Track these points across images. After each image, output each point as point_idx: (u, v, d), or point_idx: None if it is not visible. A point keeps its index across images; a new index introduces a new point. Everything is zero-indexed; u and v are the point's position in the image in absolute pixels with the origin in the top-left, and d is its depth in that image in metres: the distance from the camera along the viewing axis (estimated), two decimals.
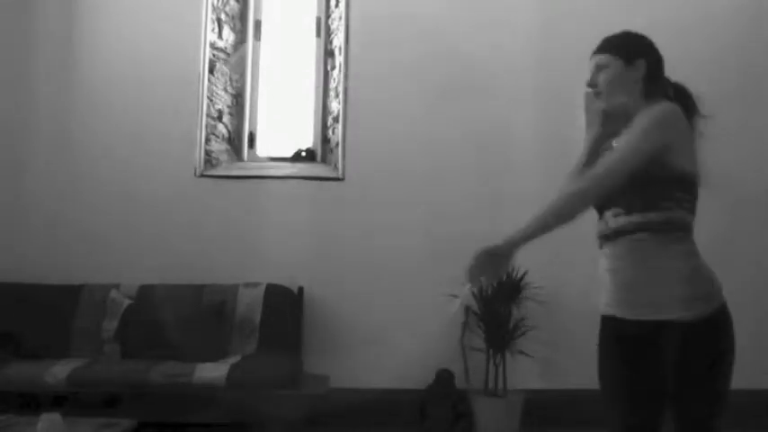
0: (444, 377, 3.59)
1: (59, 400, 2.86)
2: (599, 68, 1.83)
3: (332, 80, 4.10)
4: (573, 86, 4.08)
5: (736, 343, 1.73)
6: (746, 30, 3.97)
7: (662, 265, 1.70)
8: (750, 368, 3.69)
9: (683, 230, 1.73)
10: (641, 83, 1.82)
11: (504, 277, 3.53)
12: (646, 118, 1.73)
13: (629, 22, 4.35)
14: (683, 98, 1.90)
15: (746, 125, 3.90)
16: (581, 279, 3.83)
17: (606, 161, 1.74)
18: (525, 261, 3.60)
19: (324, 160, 4.10)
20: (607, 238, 1.82)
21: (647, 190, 1.72)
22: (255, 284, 3.65)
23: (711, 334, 1.66)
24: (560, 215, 1.75)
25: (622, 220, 1.76)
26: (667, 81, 1.90)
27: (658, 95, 1.83)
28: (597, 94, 1.83)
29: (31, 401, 2.87)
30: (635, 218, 1.74)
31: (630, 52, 1.82)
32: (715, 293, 1.69)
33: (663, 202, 1.72)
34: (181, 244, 3.83)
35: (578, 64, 4.27)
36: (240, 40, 4.19)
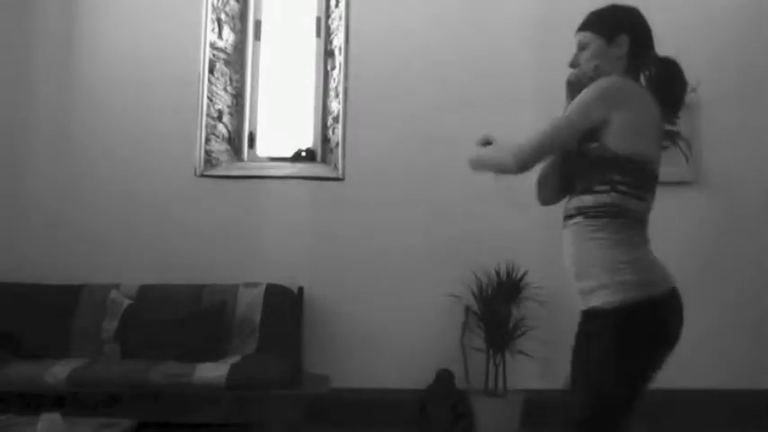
0: (444, 377, 3.59)
1: (59, 400, 2.85)
2: (581, 47, 1.79)
3: (332, 80, 4.10)
4: None
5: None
6: (746, 30, 3.97)
7: (587, 252, 1.65)
8: (750, 368, 3.72)
9: (616, 216, 1.62)
10: (625, 59, 1.74)
11: (505, 277, 3.54)
12: (587, 91, 1.66)
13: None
14: (666, 76, 1.77)
15: (746, 125, 3.91)
16: None
17: (534, 133, 1.69)
18: (525, 261, 3.61)
19: (324, 160, 4.10)
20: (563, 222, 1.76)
21: (589, 172, 1.66)
22: (255, 284, 3.65)
23: (620, 324, 1.59)
24: (482, 164, 1.85)
25: (569, 204, 1.73)
26: (654, 56, 1.79)
27: (641, 71, 1.76)
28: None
29: (31, 401, 2.86)
30: (574, 201, 1.70)
31: (612, 29, 1.75)
32: (642, 284, 1.60)
33: (598, 185, 1.64)
34: (181, 244, 3.83)
35: None
36: (240, 40, 4.19)
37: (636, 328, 1.58)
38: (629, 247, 1.63)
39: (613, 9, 1.80)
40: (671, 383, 3.69)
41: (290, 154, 4.16)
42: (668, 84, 1.75)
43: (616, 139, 1.61)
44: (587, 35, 1.77)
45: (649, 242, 1.70)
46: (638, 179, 1.64)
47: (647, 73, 1.77)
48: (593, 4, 4.15)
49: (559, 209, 1.81)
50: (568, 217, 1.71)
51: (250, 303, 3.59)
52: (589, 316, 1.65)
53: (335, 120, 4.02)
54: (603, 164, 1.62)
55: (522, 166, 1.69)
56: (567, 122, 1.66)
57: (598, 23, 1.77)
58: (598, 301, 1.61)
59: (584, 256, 1.66)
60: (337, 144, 3.97)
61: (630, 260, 1.61)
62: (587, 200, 1.65)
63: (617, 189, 1.62)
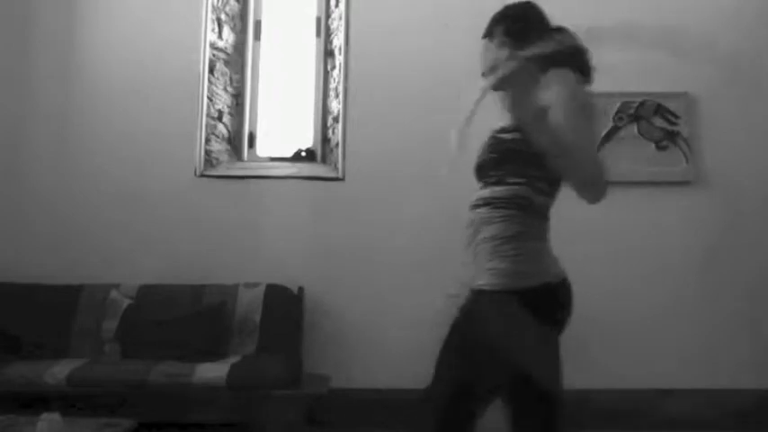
0: None
1: (59, 401, 2.85)
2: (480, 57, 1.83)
3: (332, 80, 4.10)
4: None
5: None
6: (746, 30, 3.97)
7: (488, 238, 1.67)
8: (750, 368, 3.71)
9: (524, 209, 1.65)
10: (508, 43, 1.79)
11: None
12: (567, 95, 1.65)
13: (629, 22, 4.36)
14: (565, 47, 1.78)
15: (746, 125, 3.91)
16: (580, 279, 3.84)
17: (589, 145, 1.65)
18: None
19: (324, 160, 4.10)
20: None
21: (503, 163, 1.68)
22: (255, 284, 3.65)
23: (505, 305, 1.61)
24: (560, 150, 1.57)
25: (480, 194, 1.74)
26: (547, 32, 1.85)
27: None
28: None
29: (31, 401, 2.87)
30: (486, 192, 1.71)
31: (489, 27, 1.84)
32: (533, 274, 1.62)
33: (513, 177, 1.65)
34: (181, 244, 3.83)
35: None
36: (240, 40, 4.19)
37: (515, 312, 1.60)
38: (528, 238, 1.65)
39: (500, 11, 1.89)
40: (672, 383, 3.71)
41: (290, 154, 4.16)
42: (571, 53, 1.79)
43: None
44: (482, 44, 1.86)
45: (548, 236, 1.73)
46: (553, 176, 1.64)
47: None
48: (587, 7, 4.16)
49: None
50: (476, 206, 1.73)
51: (250, 303, 3.59)
52: (475, 294, 1.69)
53: (335, 120, 4.02)
54: (522, 157, 1.62)
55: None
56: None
57: (486, 29, 1.88)
58: (486, 281, 1.64)
59: (484, 241, 1.68)
60: (337, 144, 3.97)
61: (526, 251, 1.63)
62: (499, 191, 1.66)
63: (533, 184, 1.64)
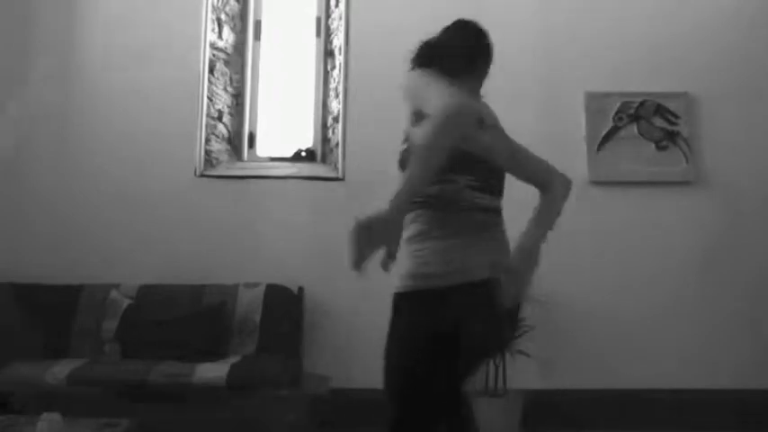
0: None
1: (59, 400, 2.85)
2: None
3: (332, 80, 4.10)
4: (572, 87, 4.09)
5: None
6: (746, 30, 3.97)
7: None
8: (750, 368, 3.72)
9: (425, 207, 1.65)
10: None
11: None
12: None
13: (629, 22, 4.36)
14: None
15: (746, 125, 3.91)
16: (580, 279, 3.85)
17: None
18: None
19: (324, 160, 4.10)
20: None
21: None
22: (255, 284, 3.65)
23: (405, 308, 1.66)
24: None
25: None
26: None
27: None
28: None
29: (31, 401, 2.87)
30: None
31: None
32: (431, 275, 1.60)
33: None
34: (181, 244, 3.83)
35: (577, 65, 4.27)
36: (240, 40, 4.19)
37: (425, 313, 1.62)
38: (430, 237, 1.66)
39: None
40: (672, 383, 3.71)
41: (290, 154, 4.16)
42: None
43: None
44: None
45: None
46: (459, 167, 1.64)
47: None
48: (589, 8, 4.16)
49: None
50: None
51: (250, 303, 3.58)
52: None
53: (335, 120, 4.02)
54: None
55: None
56: None
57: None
58: (398, 283, 1.69)
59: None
60: (337, 144, 3.97)
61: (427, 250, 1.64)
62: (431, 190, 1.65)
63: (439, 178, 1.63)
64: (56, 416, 2.35)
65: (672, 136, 3.90)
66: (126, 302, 3.54)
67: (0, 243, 3.80)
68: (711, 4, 3.99)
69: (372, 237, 1.44)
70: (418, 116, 1.63)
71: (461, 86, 1.59)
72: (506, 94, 3.91)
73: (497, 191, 1.73)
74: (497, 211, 1.72)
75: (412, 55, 1.88)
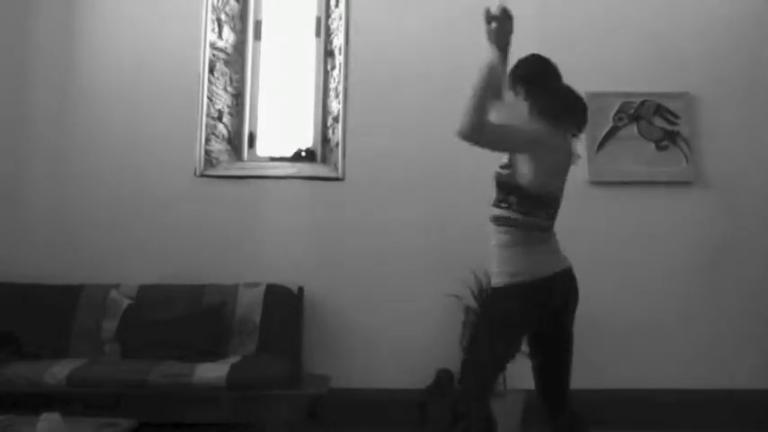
0: (444, 377, 3.58)
1: (59, 401, 2.85)
2: None
3: (332, 80, 4.10)
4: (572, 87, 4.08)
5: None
6: (746, 30, 3.97)
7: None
8: (750, 368, 3.72)
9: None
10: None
11: None
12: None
13: (629, 22, 4.36)
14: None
15: (746, 125, 3.91)
16: (580, 279, 3.84)
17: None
18: None
19: (324, 160, 4.10)
20: None
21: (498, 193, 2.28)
22: (255, 284, 3.65)
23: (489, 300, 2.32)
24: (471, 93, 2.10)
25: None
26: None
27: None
28: None
29: (31, 401, 2.87)
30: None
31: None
32: (513, 273, 2.16)
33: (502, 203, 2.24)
34: (181, 244, 3.83)
35: (577, 65, 4.27)
36: (240, 40, 4.19)
37: (502, 304, 2.20)
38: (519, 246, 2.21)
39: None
40: (673, 383, 3.71)
41: (290, 154, 4.16)
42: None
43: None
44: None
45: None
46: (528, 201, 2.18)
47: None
48: (589, 13, 4.15)
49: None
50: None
51: (250, 303, 3.59)
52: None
53: (335, 120, 4.02)
54: (506, 188, 2.22)
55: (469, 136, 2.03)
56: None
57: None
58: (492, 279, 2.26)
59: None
60: (337, 144, 3.97)
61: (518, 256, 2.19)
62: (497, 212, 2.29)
63: (512, 208, 2.21)
64: (56, 416, 2.35)
65: (672, 136, 3.90)
66: (126, 302, 3.54)
67: (0, 243, 3.80)
68: (712, 4, 3.99)
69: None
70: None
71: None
72: (507, 94, 3.93)
73: (553, 217, 2.23)
74: (552, 230, 2.23)
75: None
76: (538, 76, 2.28)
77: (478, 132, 1.99)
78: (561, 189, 2.22)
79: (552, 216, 2.21)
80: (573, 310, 2.21)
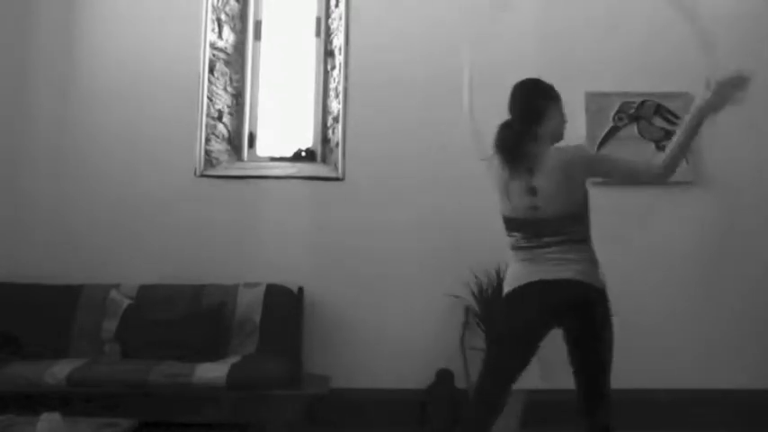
0: (444, 377, 3.59)
1: (59, 400, 2.85)
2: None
3: (332, 80, 4.10)
4: (572, 87, 4.08)
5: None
6: (746, 30, 3.97)
7: None
8: (750, 368, 3.71)
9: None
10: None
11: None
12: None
13: (629, 22, 4.36)
14: None
15: (746, 125, 3.90)
16: None
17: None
18: None
19: (324, 160, 4.10)
20: None
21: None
22: (255, 284, 3.65)
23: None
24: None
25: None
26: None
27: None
28: None
29: (31, 401, 2.87)
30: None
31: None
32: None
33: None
34: (181, 244, 3.83)
35: (577, 65, 4.26)
36: (240, 40, 4.19)
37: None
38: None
39: None
40: (673, 383, 3.71)
41: (290, 154, 4.16)
42: None
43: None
44: None
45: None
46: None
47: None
48: (589, 16, 4.14)
49: None
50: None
51: (250, 303, 3.59)
52: None
53: (335, 120, 4.02)
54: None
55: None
56: None
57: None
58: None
59: None
60: (337, 144, 3.97)
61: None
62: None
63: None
64: (56, 416, 2.35)
65: (672, 136, 3.89)
66: (126, 302, 3.54)
67: (0, 243, 3.80)
68: (712, 4, 3.99)
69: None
70: None
71: None
72: (507, 94, 3.93)
73: (531, 238, 2.40)
74: (537, 249, 2.39)
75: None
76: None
77: None
78: (528, 211, 2.34)
79: (529, 238, 2.35)
80: (587, 316, 2.37)
